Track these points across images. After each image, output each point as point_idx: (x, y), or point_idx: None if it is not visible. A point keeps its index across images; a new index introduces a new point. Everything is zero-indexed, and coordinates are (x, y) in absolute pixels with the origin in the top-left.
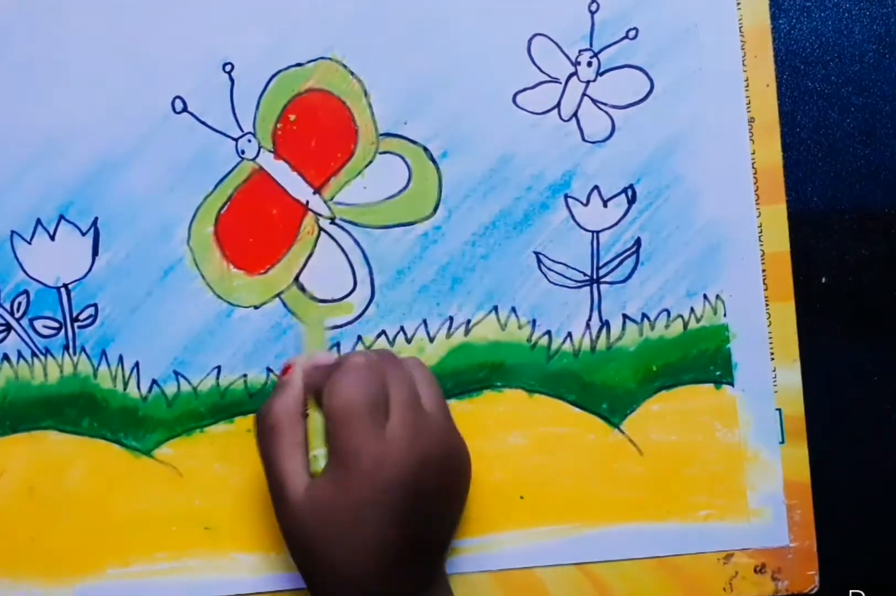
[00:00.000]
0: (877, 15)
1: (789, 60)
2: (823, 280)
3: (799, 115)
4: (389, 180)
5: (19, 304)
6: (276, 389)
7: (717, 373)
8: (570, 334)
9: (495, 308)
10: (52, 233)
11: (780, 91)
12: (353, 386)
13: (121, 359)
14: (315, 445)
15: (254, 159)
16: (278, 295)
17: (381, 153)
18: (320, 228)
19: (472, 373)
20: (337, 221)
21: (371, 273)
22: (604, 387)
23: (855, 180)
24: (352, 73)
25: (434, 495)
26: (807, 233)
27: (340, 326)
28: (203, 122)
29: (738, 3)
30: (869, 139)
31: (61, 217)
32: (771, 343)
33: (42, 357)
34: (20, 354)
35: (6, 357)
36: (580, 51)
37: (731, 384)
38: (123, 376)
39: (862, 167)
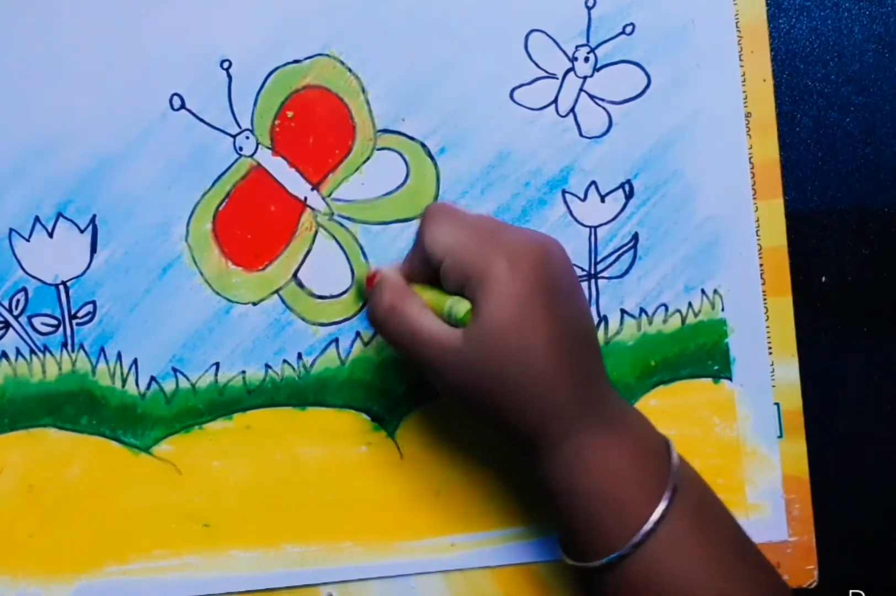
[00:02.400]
0: (876, 14)
1: (789, 60)
2: (823, 279)
3: (799, 115)
4: (387, 176)
5: (18, 301)
6: (371, 296)
7: (716, 367)
8: None
9: None
10: (50, 230)
11: (779, 90)
12: (454, 220)
13: (119, 356)
14: (442, 302)
15: (252, 156)
16: (277, 291)
17: (378, 149)
18: (318, 225)
19: None
20: (335, 218)
21: (369, 269)
22: None
23: (855, 180)
24: (349, 70)
25: (565, 284)
26: (807, 232)
27: (339, 323)
28: (201, 119)
29: None
30: (869, 139)
31: (60, 214)
32: (769, 337)
33: (40, 354)
34: (19, 352)
35: (5, 354)
36: (577, 46)
37: (730, 379)
38: (122, 373)
39: (862, 167)
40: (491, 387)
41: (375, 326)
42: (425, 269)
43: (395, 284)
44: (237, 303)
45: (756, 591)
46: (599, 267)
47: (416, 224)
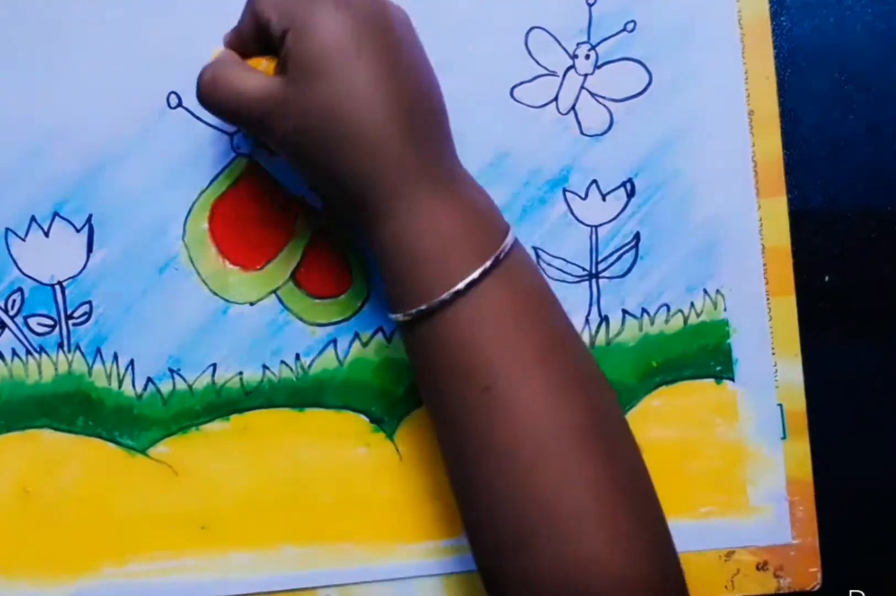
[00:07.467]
0: (879, 12)
1: (791, 58)
2: (826, 279)
3: (801, 113)
4: None
5: (13, 301)
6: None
7: (718, 368)
8: None
9: None
10: (46, 230)
11: (782, 88)
12: None
13: (116, 357)
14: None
15: (249, 155)
16: (274, 291)
17: None
18: (316, 224)
19: None
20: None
21: (368, 269)
22: None
23: (858, 178)
24: None
25: (404, 35)
26: (809, 231)
27: (337, 323)
28: (198, 118)
29: None
30: (872, 137)
31: (56, 214)
32: (772, 338)
33: (36, 355)
34: (14, 352)
35: (0, 355)
36: (578, 44)
37: (732, 379)
38: (118, 374)
39: (865, 165)
40: (320, 134)
41: (203, 104)
42: (257, 36)
43: (219, 59)
44: (234, 303)
45: (566, 381)
46: (600, 267)
47: None
